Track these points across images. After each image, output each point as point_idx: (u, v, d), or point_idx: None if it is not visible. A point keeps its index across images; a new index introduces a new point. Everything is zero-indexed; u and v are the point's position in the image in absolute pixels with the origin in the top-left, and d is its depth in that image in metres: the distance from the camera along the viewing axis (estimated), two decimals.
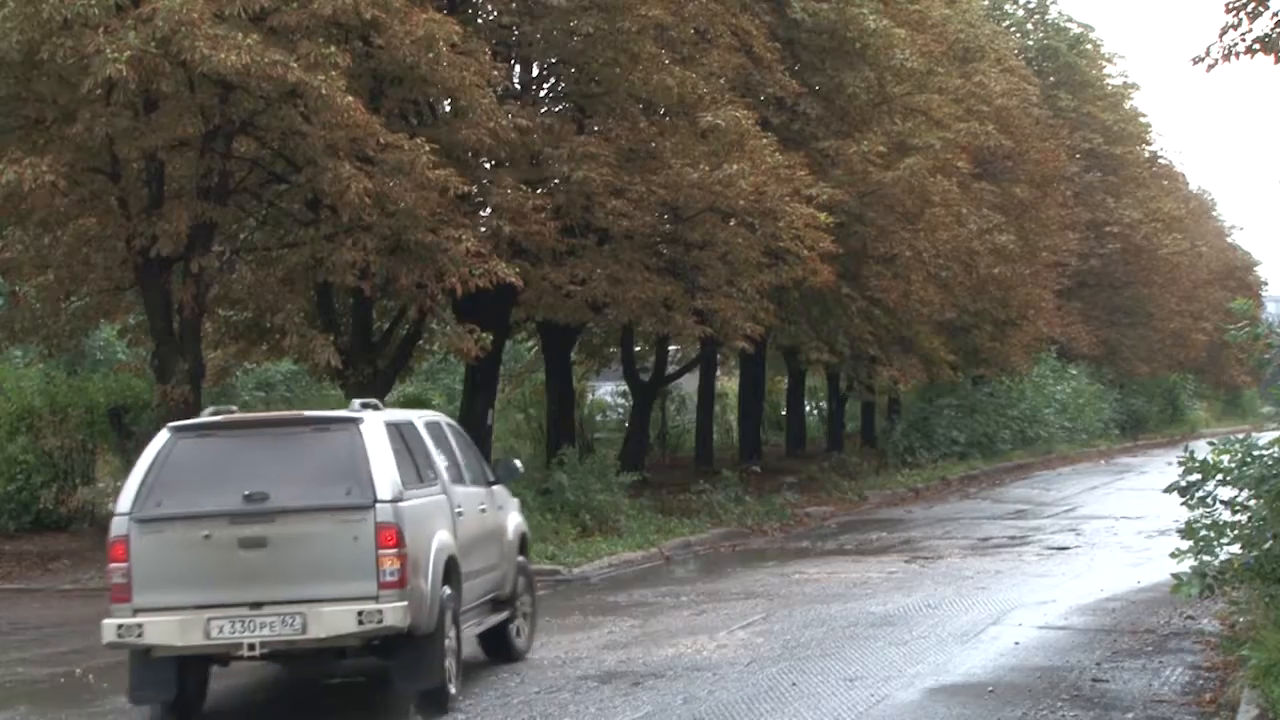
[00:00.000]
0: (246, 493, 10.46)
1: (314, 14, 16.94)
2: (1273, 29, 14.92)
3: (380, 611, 10.30)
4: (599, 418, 38.04)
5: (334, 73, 16.72)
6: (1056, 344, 49.21)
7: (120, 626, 10.45)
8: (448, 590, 11.09)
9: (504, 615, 12.87)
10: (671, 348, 33.61)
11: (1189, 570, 11.44)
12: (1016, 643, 13.32)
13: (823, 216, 23.84)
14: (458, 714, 10.72)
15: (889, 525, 25.63)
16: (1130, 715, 10.41)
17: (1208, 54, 15.52)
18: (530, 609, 13.45)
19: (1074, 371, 50.97)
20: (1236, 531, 11.55)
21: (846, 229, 26.64)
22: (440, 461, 11.95)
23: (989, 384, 42.79)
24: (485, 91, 19.25)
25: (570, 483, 22.05)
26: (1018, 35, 52.60)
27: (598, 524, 21.86)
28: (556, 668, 12.44)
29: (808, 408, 43.60)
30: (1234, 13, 15.03)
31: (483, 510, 12.70)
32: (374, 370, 21.71)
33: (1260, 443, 11.90)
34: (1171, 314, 56.71)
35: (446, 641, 11.04)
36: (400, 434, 11.44)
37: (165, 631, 10.43)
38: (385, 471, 10.62)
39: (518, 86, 23.44)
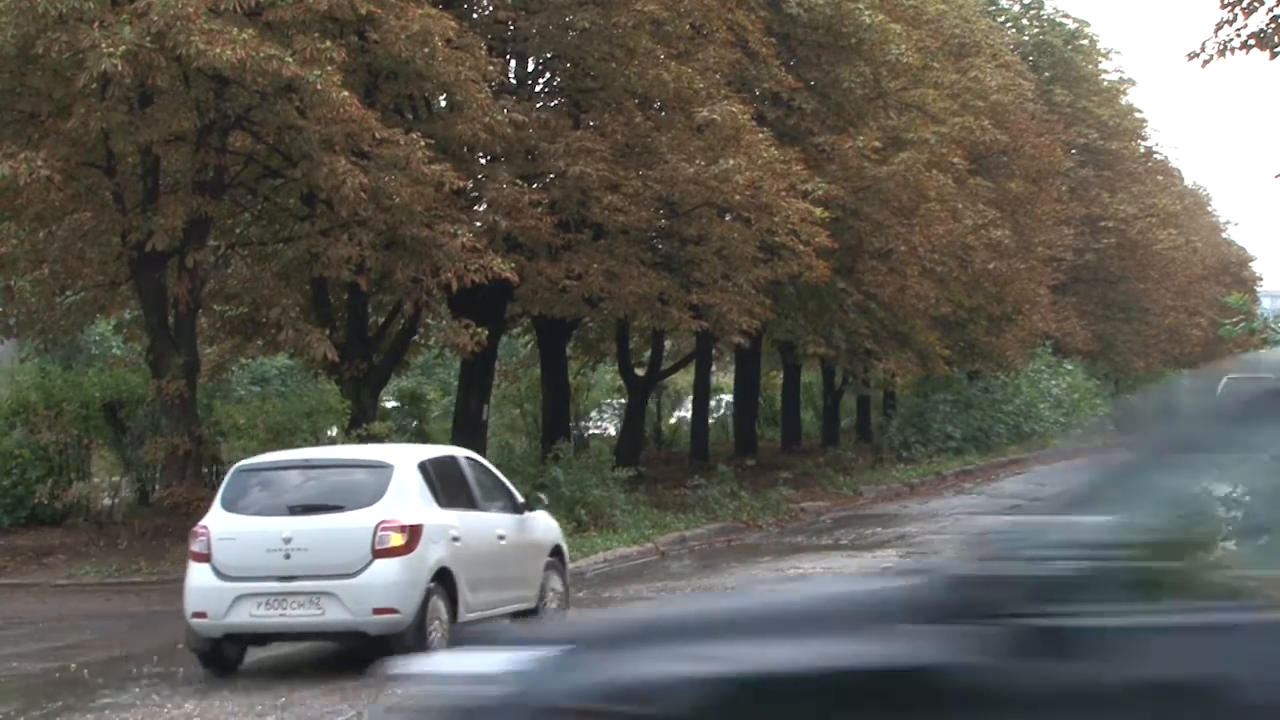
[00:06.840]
0: None
1: (309, 9, 16.93)
2: (1267, 25, 14.96)
3: None
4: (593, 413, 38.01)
5: (329, 68, 16.71)
6: (1051, 339, 49.20)
7: None
8: None
9: None
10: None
11: None
12: None
13: (818, 211, 23.83)
14: None
15: (884, 520, 25.61)
16: None
17: (1203, 50, 15.58)
18: None
19: (1069, 366, 50.97)
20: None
21: (842, 224, 26.62)
22: None
23: (984, 379, 42.78)
24: (481, 86, 19.23)
25: (566, 478, 22.02)
26: (1013, 30, 52.54)
27: (593, 519, 21.82)
28: None
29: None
30: (1229, 9, 15.09)
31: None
32: (369, 365, 21.72)
33: None
34: (1167, 309, 56.67)
35: None
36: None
37: None
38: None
39: (513, 81, 23.43)
